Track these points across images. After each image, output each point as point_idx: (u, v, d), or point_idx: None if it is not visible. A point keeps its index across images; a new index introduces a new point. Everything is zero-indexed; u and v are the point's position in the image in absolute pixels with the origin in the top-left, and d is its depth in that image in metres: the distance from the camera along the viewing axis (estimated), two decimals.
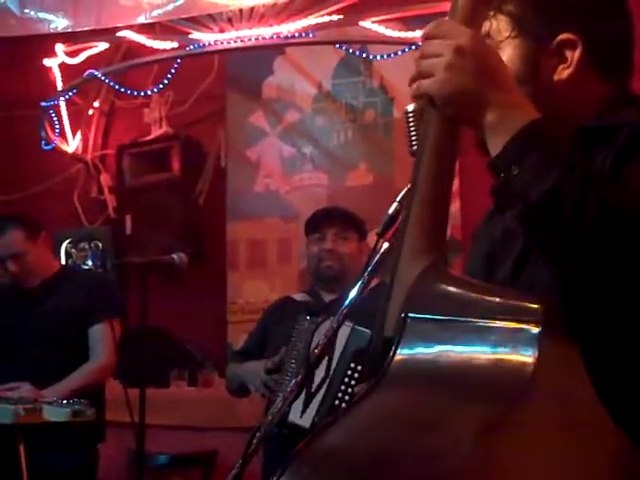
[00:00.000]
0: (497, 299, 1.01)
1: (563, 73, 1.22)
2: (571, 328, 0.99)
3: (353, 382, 2.68)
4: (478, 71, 1.08)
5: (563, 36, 1.22)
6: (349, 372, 2.70)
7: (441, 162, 1.12)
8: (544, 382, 0.94)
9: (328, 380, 2.71)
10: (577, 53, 1.21)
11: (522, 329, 0.96)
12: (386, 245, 1.24)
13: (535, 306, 0.97)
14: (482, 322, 0.99)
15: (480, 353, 0.98)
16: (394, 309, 1.08)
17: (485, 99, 1.07)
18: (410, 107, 1.26)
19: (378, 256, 1.25)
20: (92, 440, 3.35)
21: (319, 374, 2.73)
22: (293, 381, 1.29)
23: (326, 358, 2.72)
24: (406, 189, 1.21)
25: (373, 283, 1.27)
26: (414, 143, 1.26)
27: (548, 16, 1.23)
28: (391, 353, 1.04)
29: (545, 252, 1.07)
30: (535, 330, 0.95)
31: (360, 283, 1.25)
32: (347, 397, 2.66)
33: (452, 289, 1.06)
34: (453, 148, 1.13)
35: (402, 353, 1.03)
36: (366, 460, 0.95)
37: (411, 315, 1.05)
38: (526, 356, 0.94)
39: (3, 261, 3.37)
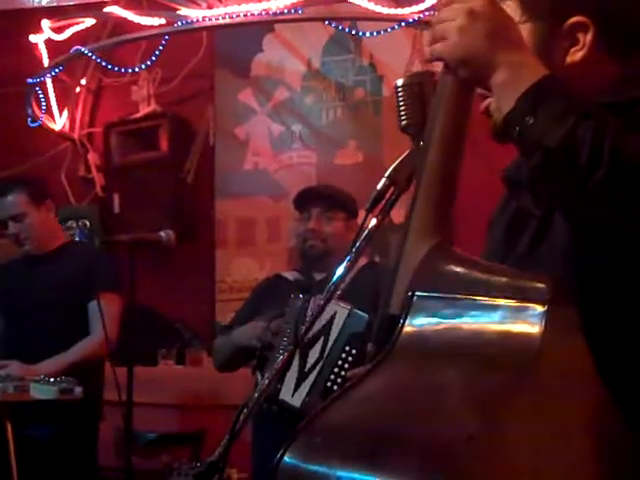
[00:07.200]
0: (504, 278, 1.03)
1: (576, 56, 1.22)
2: (582, 299, 1.01)
3: (347, 365, 2.67)
4: (489, 33, 1.09)
5: (574, 19, 1.22)
6: (343, 355, 2.69)
7: (454, 126, 1.14)
8: (548, 354, 0.97)
9: (322, 362, 2.70)
10: (589, 35, 1.21)
11: (528, 307, 0.98)
12: (374, 222, 1.22)
13: (541, 285, 0.99)
14: (489, 301, 1.01)
15: (487, 328, 1.01)
16: (400, 288, 1.10)
17: (497, 60, 1.09)
18: (400, 81, 1.25)
19: (365, 233, 1.23)
20: (90, 418, 3.35)
21: (313, 355, 2.72)
22: (280, 357, 1.28)
23: (322, 339, 2.71)
24: (395, 164, 1.20)
25: (362, 262, 1.26)
26: (404, 118, 1.25)
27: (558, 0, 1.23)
28: (398, 327, 1.06)
29: (561, 200, 1.09)
30: (540, 309, 0.98)
31: (347, 260, 1.24)
32: (340, 380, 2.64)
33: (459, 268, 1.08)
34: (466, 114, 1.15)
35: (409, 327, 1.06)
36: (379, 430, 0.98)
37: (418, 293, 1.07)
38: (533, 331, 0.97)
39: (5, 223, 3.37)
